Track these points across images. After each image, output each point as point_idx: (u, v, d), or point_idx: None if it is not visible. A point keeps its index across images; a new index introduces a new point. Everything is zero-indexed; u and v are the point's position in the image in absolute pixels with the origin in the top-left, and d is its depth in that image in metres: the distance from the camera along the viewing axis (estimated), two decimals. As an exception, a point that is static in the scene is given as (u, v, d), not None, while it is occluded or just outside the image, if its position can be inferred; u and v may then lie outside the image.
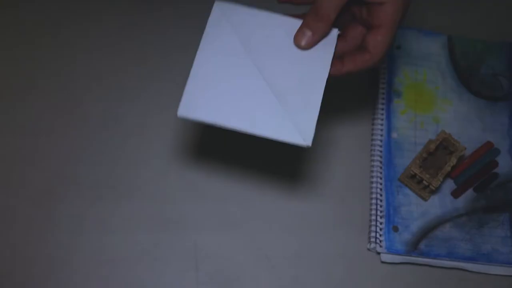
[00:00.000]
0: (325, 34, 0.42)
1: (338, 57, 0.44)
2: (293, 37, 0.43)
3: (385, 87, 0.63)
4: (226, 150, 0.60)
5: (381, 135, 0.61)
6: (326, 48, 0.41)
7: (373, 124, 0.62)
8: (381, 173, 0.59)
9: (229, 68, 0.40)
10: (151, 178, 0.58)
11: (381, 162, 0.60)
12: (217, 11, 0.41)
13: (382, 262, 0.56)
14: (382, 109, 0.62)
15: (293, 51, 0.41)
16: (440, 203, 0.58)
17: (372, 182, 0.59)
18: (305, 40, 0.42)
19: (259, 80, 0.40)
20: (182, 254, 0.55)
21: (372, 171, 0.60)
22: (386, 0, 0.41)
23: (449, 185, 0.59)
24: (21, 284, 0.54)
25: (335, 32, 0.43)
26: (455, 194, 0.59)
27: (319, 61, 0.41)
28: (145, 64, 0.64)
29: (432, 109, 0.63)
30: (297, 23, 0.42)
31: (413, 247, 0.56)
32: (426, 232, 0.57)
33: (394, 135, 0.61)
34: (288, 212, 0.58)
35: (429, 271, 0.56)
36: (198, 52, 0.40)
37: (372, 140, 0.61)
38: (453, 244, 0.56)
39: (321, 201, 0.58)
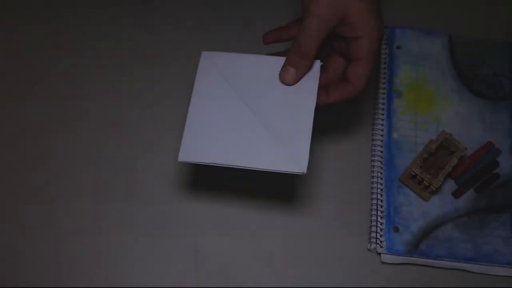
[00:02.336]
0: (308, 69, 0.45)
1: (323, 87, 0.47)
2: (278, 74, 0.45)
3: (385, 87, 0.63)
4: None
5: (382, 135, 0.61)
6: (311, 80, 0.44)
7: (373, 124, 0.62)
8: (381, 173, 0.59)
9: (222, 111, 0.43)
10: (151, 179, 0.58)
11: (381, 162, 0.60)
12: (205, 61, 0.45)
13: (383, 262, 0.56)
14: (383, 109, 0.62)
15: (279, 87, 0.44)
16: (441, 204, 0.58)
17: (372, 182, 0.59)
18: (289, 77, 0.44)
19: (251, 118, 0.43)
20: (182, 254, 0.55)
21: (372, 171, 0.60)
22: (361, 35, 0.44)
23: (450, 185, 0.59)
24: (21, 284, 0.54)
25: (318, 64, 0.45)
26: (456, 194, 0.59)
27: (306, 93, 0.43)
28: (147, 66, 0.64)
29: (433, 109, 0.63)
30: (280, 60, 0.45)
31: (414, 247, 0.56)
32: (426, 232, 0.57)
33: (395, 135, 0.61)
34: (288, 212, 0.58)
35: (429, 271, 0.56)
36: (191, 99, 0.44)
37: (372, 140, 0.61)
38: (454, 245, 0.56)
39: (322, 201, 0.58)
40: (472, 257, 0.56)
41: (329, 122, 0.62)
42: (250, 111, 0.43)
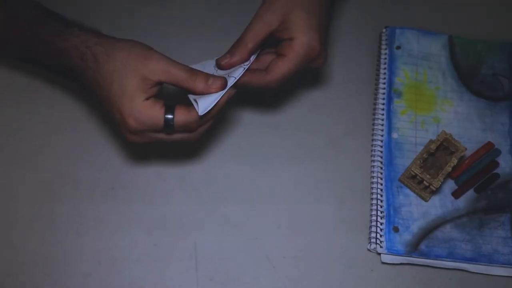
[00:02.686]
0: (242, 59, 0.51)
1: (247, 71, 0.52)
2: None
3: (385, 87, 0.63)
4: (225, 150, 0.60)
5: (382, 135, 0.61)
6: (240, 68, 0.51)
7: (373, 124, 0.62)
8: (381, 173, 0.59)
9: None
10: (151, 178, 0.58)
11: (381, 162, 0.60)
12: None
13: (383, 262, 0.56)
14: (383, 109, 0.62)
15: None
16: (441, 204, 0.58)
17: (372, 183, 0.59)
18: (224, 61, 0.50)
19: None
20: (182, 254, 0.55)
21: (372, 171, 0.60)
22: (293, 37, 0.50)
23: (450, 185, 0.59)
24: (21, 284, 0.54)
25: (252, 57, 0.52)
26: (456, 194, 0.59)
27: (233, 75, 0.51)
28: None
29: (433, 109, 0.63)
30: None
31: (414, 247, 0.56)
32: (426, 232, 0.57)
33: (395, 135, 0.61)
34: (289, 212, 0.58)
35: (429, 271, 0.56)
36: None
37: (372, 140, 0.61)
38: (454, 245, 0.56)
39: (322, 202, 0.58)
40: (471, 257, 0.56)
41: (329, 122, 0.62)
42: None
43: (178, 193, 0.58)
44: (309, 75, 0.64)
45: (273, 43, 0.53)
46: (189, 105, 0.48)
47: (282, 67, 0.50)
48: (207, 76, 0.48)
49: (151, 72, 0.46)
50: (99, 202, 0.57)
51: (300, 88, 0.64)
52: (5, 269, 0.54)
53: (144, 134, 0.48)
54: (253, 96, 0.62)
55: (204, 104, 0.48)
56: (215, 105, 0.48)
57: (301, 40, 0.49)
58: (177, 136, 0.49)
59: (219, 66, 0.51)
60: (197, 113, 0.47)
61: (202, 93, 0.48)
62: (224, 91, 0.48)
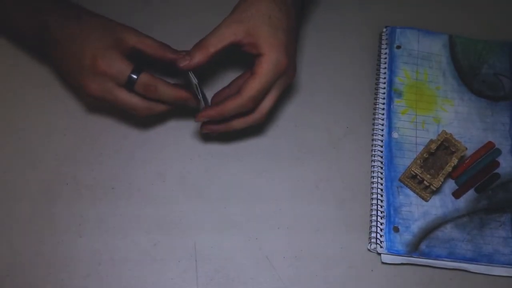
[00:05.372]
0: (202, 62, 0.51)
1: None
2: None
3: (385, 87, 0.63)
4: (225, 149, 0.60)
5: (382, 135, 0.61)
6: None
7: (373, 124, 0.62)
8: (381, 173, 0.59)
9: None
10: (151, 179, 0.58)
11: (381, 162, 0.60)
12: None
13: (383, 262, 0.56)
14: (383, 109, 0.62)
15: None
16: (441, 204, 0.58)
17: (372, 182, 0.59)
18: (182, 63, 0.51)
19: None
20: (182, 254, 0.55)
21: (372, 171, 0.59)
22: (262, 53, 0.50)
23: (450, 185, 0.59)
24: (21, 284, 0.54)
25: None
26: (456, 194, 0.59)
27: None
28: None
29: (433, 109, 0.62)
30: None
31: (414, 247, 0.56)
32: (427, 232, 0.57)
33: (395, 135, 0.61)
34: (289, 212, 0.58)
35: (430, 272, 0.56)
36: None
37: (372, 140, 0.61)
38: (454, 245, 0.56)
39: (322, 201, 0.58)
40: (472, 257, 0.56)
41: (329, 122, 0.62)
42: None
43: (178, 193, 0.58)
44: (308, 75, 0.64)
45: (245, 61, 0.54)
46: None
47: (253, 84, 0.50)
48: (177, 51, 0.53)
49: (127, 36, 0.51)
50: (99, 202, 0.57)
51: (299, 87, 0.64)
52: (5, 269, 0.54)
53: (105, 83, 0.50)
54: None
55: None
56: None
57: (269, 57, 0.50)
58: (134, 100, 0.52)
59: (177, 66, 0.51)
60: (163, 82, 0.52)
61: (174, 60, 0.51)
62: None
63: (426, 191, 0.57)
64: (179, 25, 0.66)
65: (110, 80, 0.50)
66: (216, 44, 0.50)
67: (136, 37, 0.52)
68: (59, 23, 0.51)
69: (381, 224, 0.57)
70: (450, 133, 0.57)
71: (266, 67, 0.50)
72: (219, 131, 0.55)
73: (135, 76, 0.51)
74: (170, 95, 0.52)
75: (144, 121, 0.60)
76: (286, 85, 0.54)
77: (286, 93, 0.63)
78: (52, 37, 0.51)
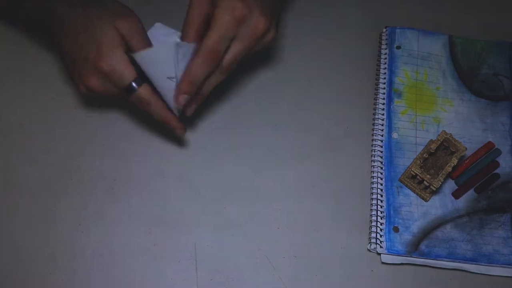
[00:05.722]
0: (195, 38, 0.51)
1: None
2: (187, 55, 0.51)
3: (385, 87, 0.63)
4: (225, 149, 0.60)
5: (382, 135, 0.61)
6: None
7: (373, 124, 0.62)
8: (381, 173, 0.59)
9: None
10: (151, 178, 0.58)
11: (381, 162, 0.60)
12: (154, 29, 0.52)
13: (383, 263, 0.56)
14: (383, 109, 0.62)
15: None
16: (441, 204, 0.58)
17: (372, 183, 0.59)
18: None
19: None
20: (182, 254, 0.55)
21: (372, 172, 0.60)
22: (217, 5, 0.49)
23: (450, 185, 0.59)
24: (21, 282, 0.54)
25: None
26: (456, 194, 0.59)
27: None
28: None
29: (433, 109, 0.62)
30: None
31: (414, 247, 0.56)
32: (426, 232, 0.57)
33: (395, 135, 0.61)
34: (288, 212, 0.58)
35: (429, 272, 0.56)
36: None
37: (372, 140, 0.61)
38: (454, 245, 0.56)
39: (321, 201, 0.58)
40: (472, 257, 0.56)
41: (329, 122, 0.62)
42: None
43: (178, 193, 0.58)
44: (308, 75, 0.64)
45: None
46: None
47: (209, 36, 0.49)
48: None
49: (126, 33, 0.50)
50: (99, 202, 0.57)
51: (299, 88, 0.64)
52: (6, 265, 0.54)
53: (105, 82, 0.50)
54: (253, 96, 0.62)
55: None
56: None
57: (223, 5, 0.48)
58: (133, 99, 0.51)
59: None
60: (159, 102, 0.51)
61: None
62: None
63: (426, 191, 0.57)
64: (179, 25, 0.66)
65: (111, 81, 0.50)
66: (195, 22, 0.50)
67: (132, 32, 0.50)
68: (66, 12, 0.50)
69: (381, 224, 0.57)
70: (450, 133, 0.57)
71: (220, 15, 0.48)
72: (197, 103, 0.54)
73: (135, 86, 0.50)
74: (160, 117, 0.52)
75: (145, 118, 0.60)
76: (253, 37, 0.51)
77: (286, 93, 0.63)
78: (60, 25, 0.51)
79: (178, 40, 0.51)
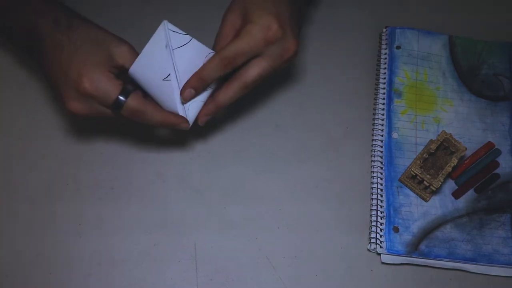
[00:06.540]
0: (225, 69, 0.50)
1: None
2: (204, 59, 0.50)
3: (385, 87, 0.63)
4: (225, 150, 0.60)
5: (382, 135, 0.61)
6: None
7: (373, 124, 0.62)
8: (381, 173, 0.59)
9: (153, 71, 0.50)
10: (150, 178, 0.58)
11: (381, 162, 0.60)
12: (162, 29, 0.49)
13: (383, 263, 0.56)
14: (383, 109, 0.62)
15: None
16: (441, 204, 0.58)
17: (372, 183, 0.59)
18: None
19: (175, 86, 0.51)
20: (182, 254, 0.55)
21: (372, 172, 0.60)
22: (251, 20, 0.48)
23: (450, 185, 0.59)
24: (21, 284, 0.54)
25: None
26: (456, 194, 0.59)
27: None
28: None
29: (433, 109, 0.63)
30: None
31: (414, 248, 0.56)
32: (426, 232, 0.57)
33: (395, 135, 0.61)
34: (288, 212, 0.58)
35: (429, 272, 0.56)
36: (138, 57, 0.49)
37: (372, 140, 0.61)
38: (454, 245, 0.56)
39: (322, 202, 0.58)
40: (472, 257, 0.56)
41: (329, 122, 0.62)
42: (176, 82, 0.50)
43: (178, 194, 0.58)
44: (308, 75, 0.64)
45: None
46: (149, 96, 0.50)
47: (233, 43, 0.48)
48: None
49: (120, 54, 0.48)
50: (99, 202, 0.57)
51: (299, 88, 0.64)
52: (5, 269, 0.54)
53: (91, 103, 0.48)
54: (254, 97, 0.62)
55: (191, 115, 0.51)
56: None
57: (254, 22, 0.48)
58: (124, 113, 0.49)
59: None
60: (152, 106, 0.49)
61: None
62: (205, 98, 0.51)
63: (426, 191, 0.57)
64: (180, 24, 0.65)
65: (96, 101, 0.48)
66: (224, 42, 0.50)
67: (129, 55, 0.49)
68: (49, 29, 0.48)
69: (381, 224, 0.57)
70: (450, 133, 0.57)
71: (251, 29, 0.48)
72: (211, 112, 0.52)
73: (123, 99, 0.48)
74: (158, 121, 0.50)
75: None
76: (283, 58, 0.50)
77: (286, 93, 0.63)
78: (40, 42, 0.48)
79: (197, 43, 0.50)
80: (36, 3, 0.49)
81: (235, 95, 0.51)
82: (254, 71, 0.50)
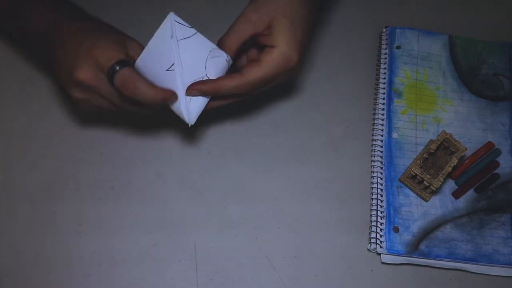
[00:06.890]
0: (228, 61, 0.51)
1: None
2: (209, 55, 0.51)
3: (385, 87, 0.63)
4: (225, 150, 0.60)
5: (382, 135, 0.61)
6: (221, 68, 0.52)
7: (373, 124, 0.62)
8: (381, 173, 0.59)
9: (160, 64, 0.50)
10: (150, 178, 0.58)
11: (381, 162, 0.60)
12: (168, 22, 0.50)
13: (383, 263, 0.56)
14: (383, 109, 0.62)
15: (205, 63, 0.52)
16: (441, 204, 0.58)
17: (372, 183, 0.59)
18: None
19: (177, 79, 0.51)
20: (182, 254, 0.55)
21: (372, 172, 0.60)
22: (276, 45, 0.49)
23: (450, 185, 0.59)
24: (21, 284, 0.54)
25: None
26: (456, 194, 0.59)
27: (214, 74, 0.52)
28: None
29: (433, 109, 0.63)
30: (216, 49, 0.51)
31: (414, 247, 0.56)
32: (426, 232, 0.57)
33: (395, 135, 0.61)
34: (289, 212, 0.58)
35: (429, 272, 0.56)
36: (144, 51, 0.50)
37: (372, 140, 0.61)
38: (454, 245, 0.56)
39: (322, 201, 0.58)
40: (472, 257, 0.56)
41: (329, 122, 0.62)
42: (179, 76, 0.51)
43: (178, 193, 0.58)
44: (308, 75, 0.64)
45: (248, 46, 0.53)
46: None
47: (258, 71, 0.50)
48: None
49: (131, 46, 0.49)
50: (99, 202, 0.57)
51: (299, 87, 0.64)
52: (5, 269, 0.54)
53: (97, 74, 0.48)
54: (254, 97, 0.62)
55: (194, 112, 0.51)
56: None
57: (282, 50, 0.49)
58: (124, 105, 0.50)
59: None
60: (144, 81, 0.48)
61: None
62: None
63: (426, 191, 0.57)
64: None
65: (99, 71, 0.48)
66: (237, 41, 0.50)
67: (139, 50, 0.50)
68: (67, 22, 0.49)
69: (381, 224, 0.57)
70: (450, 133, 0.57)
71: (276, 59, 0.49)
72: (204, 91, 0.51)
73: (118, 68, 0.47)
74: (152, 97, 0.48)
75: (144, 120, 0.60)
76: (287, 80, 0.53)
77: (286, 93, 0.63)
78: (56, 29, 0.49)
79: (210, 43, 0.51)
80: (51, 1, 0.51)
81: (229, 100, 0.52)
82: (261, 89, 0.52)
